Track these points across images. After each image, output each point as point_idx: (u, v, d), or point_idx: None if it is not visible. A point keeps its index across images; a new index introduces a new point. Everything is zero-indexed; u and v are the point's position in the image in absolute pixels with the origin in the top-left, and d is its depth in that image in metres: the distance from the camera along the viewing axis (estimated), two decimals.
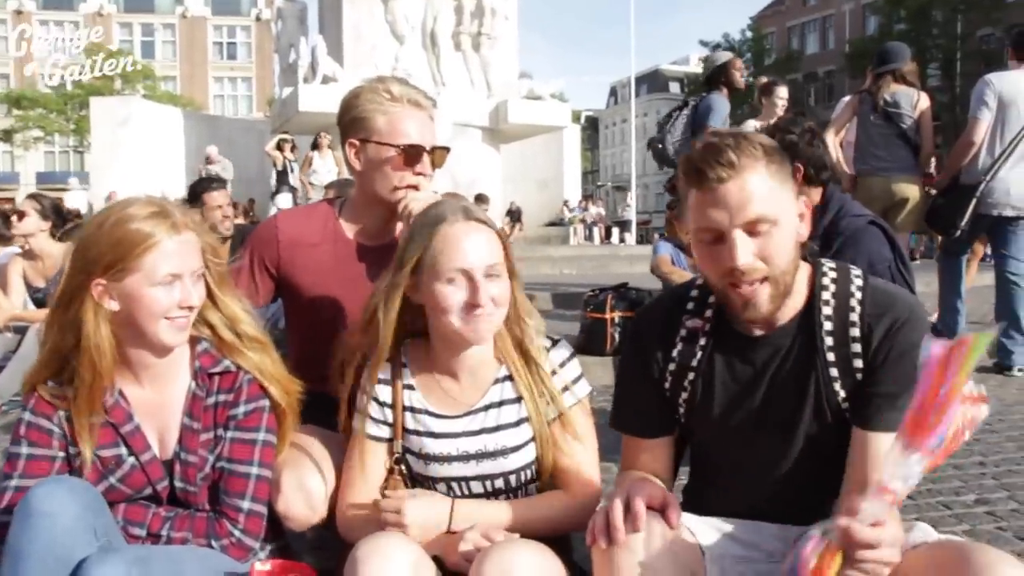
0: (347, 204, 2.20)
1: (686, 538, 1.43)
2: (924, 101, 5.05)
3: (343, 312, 2.11)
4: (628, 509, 1.30)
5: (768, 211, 1.40)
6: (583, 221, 24.26)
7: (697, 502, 1.63)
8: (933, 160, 5.46)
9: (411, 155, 2.04)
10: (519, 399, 1.67)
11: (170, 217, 1.62)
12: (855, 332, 1.46)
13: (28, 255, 4.75)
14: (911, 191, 5.04)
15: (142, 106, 18.30)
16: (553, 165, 17.95)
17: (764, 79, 7.10)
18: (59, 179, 38.19)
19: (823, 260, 1.57)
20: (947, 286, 5.24)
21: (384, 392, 1.72)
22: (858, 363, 1.46)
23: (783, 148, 2.95)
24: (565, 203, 19.13)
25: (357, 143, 2.08)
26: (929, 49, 32.76)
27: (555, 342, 1.73)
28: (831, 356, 1.47)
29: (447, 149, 2.12)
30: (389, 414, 1.72)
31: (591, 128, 69.10)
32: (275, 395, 1.74)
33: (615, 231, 26.48)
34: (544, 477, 1.70)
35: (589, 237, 25.13)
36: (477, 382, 1.71)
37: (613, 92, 75.82)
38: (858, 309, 1.47)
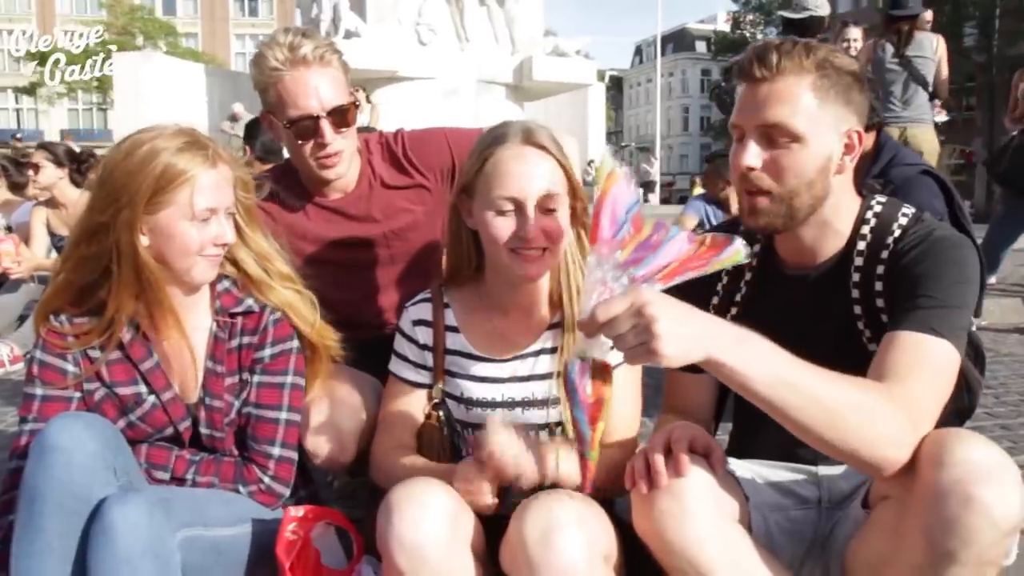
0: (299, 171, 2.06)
1: (730, 484, 1.38)
2: (942, 44, 5.03)
3: (343, 270, 2.03)
4: (670, 453, 1.25)
5: (792, 124, 1.31)
6: None
7: (738, 446, 1.63)
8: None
9: (304, 128, 1.86)
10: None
11: (205, 148, 1.53)
12: (880, 269, 1.38)
13: (51, 203, 4.70)
14: (926, 141, 4.89)
15: (164, 62, 18.18)
16: (577, 124, 17.62)
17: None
18: (83, 136, 38.31)
19: (876, 195, 1.48)
20: (995, 244, 4.99)
21: (424, 334, 1.63)
22: (880, 302, 1.37)
23: None
24: (590, 163, 18.85)
25: (268, 116, 1.96)
26: (966, 6, 31.54)
27: None
28: (856, 293, 1.41)
29: (354, 105, 1.91)
30: (429, 358, 1.63)
31: (615, 88, 68.11)
32: (305, 332, 1.66)
33: (639, 191, 26.21)
34: None
35: None
36: (531, 324, 1.59)
37: (638, 51, 74.45)
38: (892, 246, 1.38)
